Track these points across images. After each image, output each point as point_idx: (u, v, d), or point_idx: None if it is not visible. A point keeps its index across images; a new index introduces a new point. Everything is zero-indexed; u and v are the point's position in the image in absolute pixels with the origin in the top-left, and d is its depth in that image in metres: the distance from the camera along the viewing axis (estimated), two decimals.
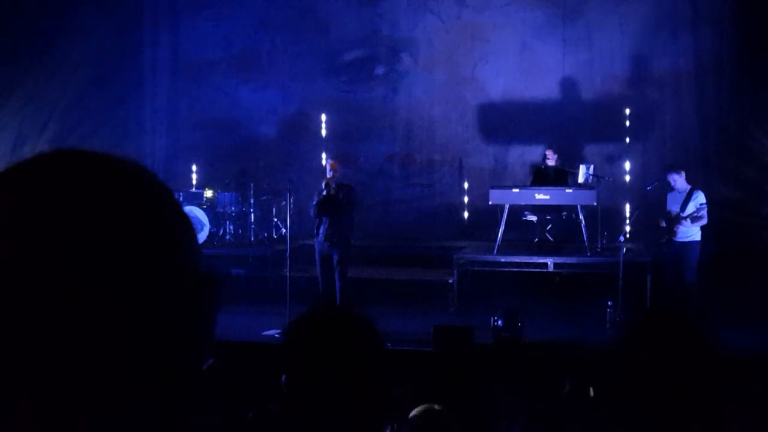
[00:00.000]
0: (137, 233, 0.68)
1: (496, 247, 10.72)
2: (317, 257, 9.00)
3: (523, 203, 11.08)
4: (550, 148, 11.66)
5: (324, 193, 8.89)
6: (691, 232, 9.11)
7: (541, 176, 11.39)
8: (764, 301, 8.81)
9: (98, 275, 0.65)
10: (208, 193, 12.24)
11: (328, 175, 8.93)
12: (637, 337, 1.58)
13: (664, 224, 9.19)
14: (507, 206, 10.84)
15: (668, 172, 9.44)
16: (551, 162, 11.38)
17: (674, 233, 9.10)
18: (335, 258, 8.86)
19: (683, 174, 9.27)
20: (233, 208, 12.18)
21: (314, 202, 8.95)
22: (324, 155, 12.02)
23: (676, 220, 9.09)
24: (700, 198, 9.11)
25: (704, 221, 9.09)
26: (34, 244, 0.64)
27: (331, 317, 1.77)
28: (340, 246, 8.86)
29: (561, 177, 11.28)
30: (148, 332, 0.68)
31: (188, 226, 0.74)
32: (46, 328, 0.64)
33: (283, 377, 1.71)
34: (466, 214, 13.02)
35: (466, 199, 13.04)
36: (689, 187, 9.23)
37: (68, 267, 0.64)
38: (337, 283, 8.85)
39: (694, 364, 1.49)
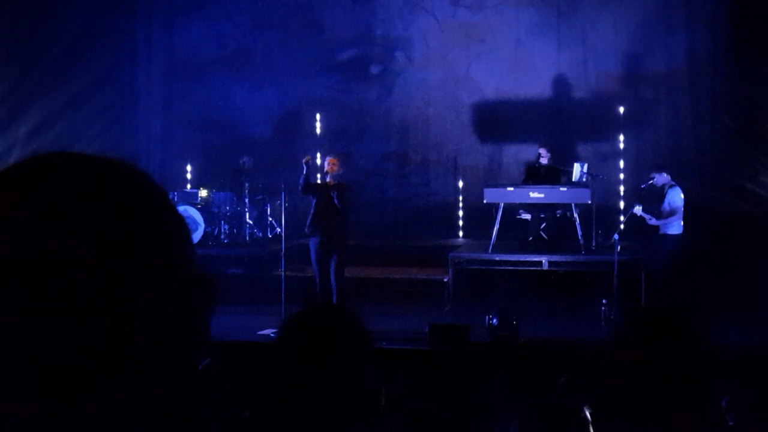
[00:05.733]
0: (131, 234, 0.68)
1: (490, 246, 10.72)
2: (313, 257, 8.96)
3: (517, 202, 11.07)
4: (543, 146, 11.65)
5: (311, 177, 8.86)
6: (664, 225, 9.33)
7: (533, 174, 11.38)
8: (754, 299, 8.77)
9: (92, 276, 0.65)
10: (203, 193, 12.21)
11: (326, 168, 8.88)
12: (633, 334, 1.58)
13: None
14: (501, 205, 10.85)
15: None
16: (544, 160, 11.38)
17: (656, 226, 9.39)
18: (332, 258, 8.83)
19: (662, 173, 9.57)
20: (228, 208, 12.15)
21: (302, 181, 8.70)
22: (319, 155, 11.96)
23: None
24: (669, 196, 9.36)
25: (669, 219, 9.28)
26: (28, 246, 0.65)
27: (322, 316, 1.77)
28: (337, 246, 8.83)
29: (553, 175, 11.28)
30: (143, 332, 0.68)
31: (182, 226, 0.74)
32: (42, 328, 0.64)
33: (276, 376, 1.72)
34: (461, 213, 13.03)
35: (460, 197, 13.04)
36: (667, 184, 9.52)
37: (63, 267, 0.64)
38: (333, 283, 8.83)
39: (689, 360, 1.49)
